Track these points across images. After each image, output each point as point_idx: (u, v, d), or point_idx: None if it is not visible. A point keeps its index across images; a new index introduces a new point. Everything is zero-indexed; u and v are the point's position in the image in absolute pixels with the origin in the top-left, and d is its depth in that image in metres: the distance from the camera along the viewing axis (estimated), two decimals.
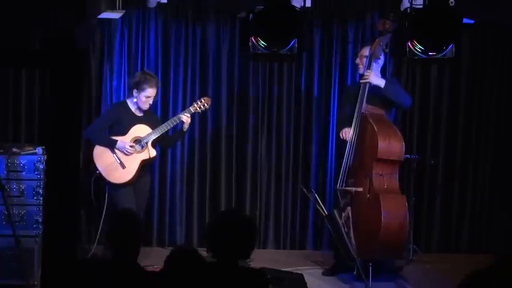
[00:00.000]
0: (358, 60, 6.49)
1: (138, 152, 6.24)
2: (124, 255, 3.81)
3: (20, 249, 5.60)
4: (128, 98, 6.37)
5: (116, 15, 6.62)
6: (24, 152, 5.95)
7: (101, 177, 6.30)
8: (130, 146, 6.21)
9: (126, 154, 6.21)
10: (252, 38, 6.20)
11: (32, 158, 5.91)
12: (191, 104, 6.47)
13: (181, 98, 7.26)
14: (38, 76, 7.01)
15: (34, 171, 5.90)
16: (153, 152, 6.30)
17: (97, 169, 6.26)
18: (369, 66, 6.28)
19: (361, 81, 6.30)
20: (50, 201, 3.12)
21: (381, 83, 6.26)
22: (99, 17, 6.41)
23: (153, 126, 6.29)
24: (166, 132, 6.37)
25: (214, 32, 7.25)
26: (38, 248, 5.78)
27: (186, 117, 6.29)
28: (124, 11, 6.66)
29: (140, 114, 6.32)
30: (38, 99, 7.05)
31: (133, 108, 6.30)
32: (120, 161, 6.22)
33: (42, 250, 5.73)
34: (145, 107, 6.26)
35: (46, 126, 6.84)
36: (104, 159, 6.24)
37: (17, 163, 5.87)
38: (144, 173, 6.39)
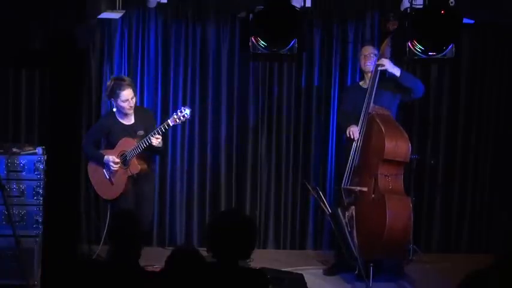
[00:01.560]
0: (363, 58, 6.48)
1: (124, 168, 6.18)
2: (124, 256, 3.81)
3: (20, 249, 5.60)
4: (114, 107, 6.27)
5: (116, 15, 6.62)
6: (24, 152, 5.95)
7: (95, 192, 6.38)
8: (115, 163, 6.13)
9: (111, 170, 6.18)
10: (252, 38, 6.19)
11: (32, 158, 5.91)
12: (171, 116, 6.18)
13: (181, 98, 7.26)
14: (38, 76, 7.01)
15: (34, 171, 5.89)
16: (135, 169, 6.15)
17: (92, 184, 6.34)
18: (375, 70, 6.31)
19: (378, 68, 6.30)
20: (50, 201, 3.12)
21: (397, 71, 6.32)
22: (99, 17, 6.40)
23: (144, 132, 6.16)
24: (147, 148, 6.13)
25: (214, 32, 7.25)
26: (38, 248, 5.78)
27: (155, 140, 6.03)
28: (124, 11, 6.66)
29: (129, 123, 6.21)
30: (38, 99, 7.04)
31: (120, 117, 6.21)
32: (109, 177, 6.20)
33: (42, 250, 5.74)
34: (129, 110, 6.15)
35: (46, 126, 6.84)
36: (96, 175, 6.27)
37: (17, 163, 5.87)
38: (145, 181, 6.30)
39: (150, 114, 6.56)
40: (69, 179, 2.94)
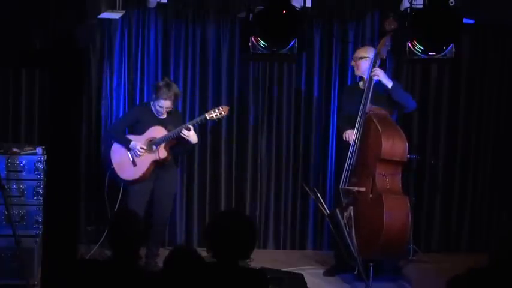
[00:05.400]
0: (353, 63, 6.53)
1: (150, 153, 6.37)
2: (124, 255, 3.81)
3: (20, 249, 5.59)
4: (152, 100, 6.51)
5: (116, 15, 6.62)
6: (24, 152, 5.95)
7: (114, 172, 6.51)
8: (141, 148, 6.36)
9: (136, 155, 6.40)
10: (252, 38, 6.20)
11: (32, 158, 5.91)
12: (207, 111, 6.49)
13: (182, 98, 7.25)
14: (38, 76, 7.01)
15: (34, 171, 5.90)
16: (163, 154, 6.38)
17: (112, 164, 6.49)
18: (373, 66, 6.30)
19: (371, 75, 6.28)
20: (50, 201, 3.12)
21: (389, 83, 6.32)
22: (99, 17, 6.40)
23: (174, 128, 6.37)
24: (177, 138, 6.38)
25: (214, 32, 7.25)
26: (38, 248, 5.78)
27: (186, 132, 6.30)
28: (124, 11, 6.66)
29: (162, 117, 6.44)
30: (38, 99, 7.05)
31: (155, 110, 6.45)
32: (133, 159, 6.41)
33: (42, 250, 5.74)
34: (161, 116, 6.42)
35: (46, 126, 6.84)
36: (118, 155, 6.48)
37: (17, 163, 5.87)
38: (165, 173, 6.49)
39: (181, 116, 6.79)
40: (69, 179, 2.94)
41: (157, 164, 6.42)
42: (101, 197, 6.71)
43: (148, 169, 6.40)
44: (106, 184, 6.61)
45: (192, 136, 6.34)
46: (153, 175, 6.45)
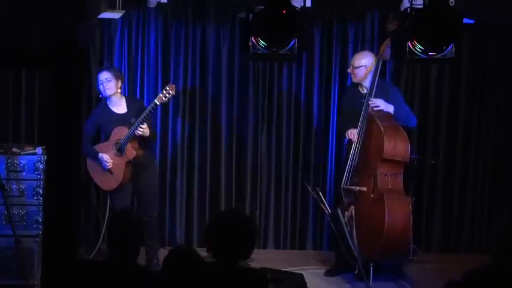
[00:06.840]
0: (349, 70, 6.54)
1: (120, 157, 6.33)
2: (124, 255, 3.81)
3: (20, 249, 5.60)
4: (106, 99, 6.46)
5: (116, 15, 6.61)
6: (24, 152, 5.96)
7: (97, 185, 6.56)
8: (108, 161, 6.31)
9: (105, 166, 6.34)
10: (252, 38, 6.19)
11: (32, 158, 5.92)
12: (156, 96, 6.32)
13: (181, 98, 7.26)
14: (38, 76, 7.01)
15: (34, 171, 5.91)
16: (131, 154, 6.29)
17: (93, 179, 6.51)
18: (376, 71, 6.31)
19: (371, 106, 6.31)
20: (50, 201, 3.12)
21: (390, 108, 6.36)
22: (99, 17, 6.40)
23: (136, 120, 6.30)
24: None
25: (214, 32, 7.25)
26: (38, 248, 5.78)
27: (141, 129, 6.21)
28: (124, 11, 6.66)
29: (122, 112, 6.39)
30: (38, 99, 7.05)
31: (113, 106, 6.40)
32: (108, 169, 6.36)
33: (42, 250, 5.74)
34: (107, 92, 6.31)
35: (46, 126, 6.84)
36: (95, 169, 6.43)
37: (17, 163, 5.88)
38: (142, 169, 6.43)
39: (141, 103, 6.67)
40: (69, 179, 2.94)
41: (132, 164, 6.36)
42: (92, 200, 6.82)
43: (125, 172, 6.34)
44: (93, 190, 6.70)
45: (145, 129, 6.23)
46: (132, 175, 6.40)
